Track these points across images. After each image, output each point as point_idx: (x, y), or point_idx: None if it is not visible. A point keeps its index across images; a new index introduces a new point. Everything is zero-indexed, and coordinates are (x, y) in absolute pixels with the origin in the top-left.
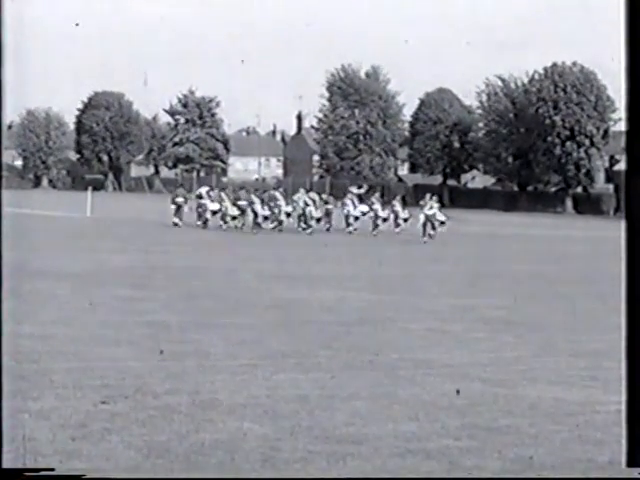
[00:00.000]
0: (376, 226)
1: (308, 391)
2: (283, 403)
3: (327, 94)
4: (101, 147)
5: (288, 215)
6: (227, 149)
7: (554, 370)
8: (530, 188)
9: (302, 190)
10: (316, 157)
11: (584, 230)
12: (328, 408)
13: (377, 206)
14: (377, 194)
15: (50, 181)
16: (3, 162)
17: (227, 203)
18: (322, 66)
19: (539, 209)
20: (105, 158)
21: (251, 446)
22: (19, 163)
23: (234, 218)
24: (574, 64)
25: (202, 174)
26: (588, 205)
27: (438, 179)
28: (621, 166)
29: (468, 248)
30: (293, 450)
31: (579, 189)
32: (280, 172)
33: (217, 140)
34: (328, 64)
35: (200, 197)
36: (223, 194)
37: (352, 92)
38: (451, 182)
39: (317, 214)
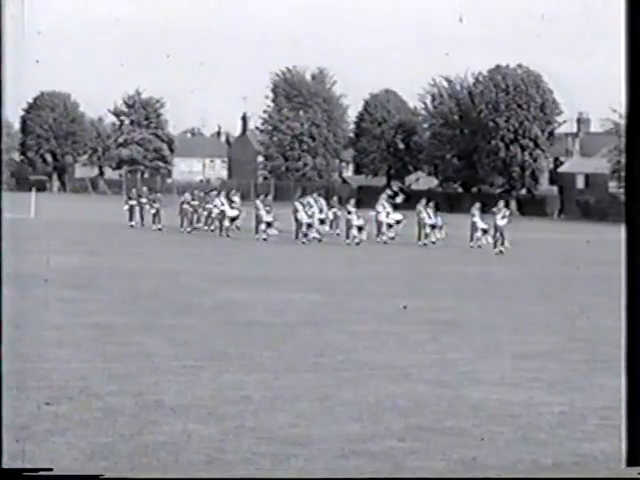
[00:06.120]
0: (425, 235)
1: (252, 392)
2: (227, 404)
3: (272, 95)
4: (45, 148)
5: (322, 222)
6: (172, 150)
7: (498, 371)
8: (474, 189)
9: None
10: (260, 158)
11: (528, 232)
12: (272, 409)
13: (424, 214)
14: (423, 201)
15: None
16: None
17: (262, 211)
18: (267, 67)
19: (483, 210)
20: (49, 159)
21: (195, 447)
22: None
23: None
24: (519, 66)
25: (146, 175)
26: (532, 207)
27: (382, 181)
28: (565, 168)
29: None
30: (237, 451)
31: (523, 191)
32: (225, 173)
33: (162, 141)
34: (273, 65)
35: (213, 203)
36: (258, 201)
37: (297, 94)
38: (395, 183)
39: (359, 222)
